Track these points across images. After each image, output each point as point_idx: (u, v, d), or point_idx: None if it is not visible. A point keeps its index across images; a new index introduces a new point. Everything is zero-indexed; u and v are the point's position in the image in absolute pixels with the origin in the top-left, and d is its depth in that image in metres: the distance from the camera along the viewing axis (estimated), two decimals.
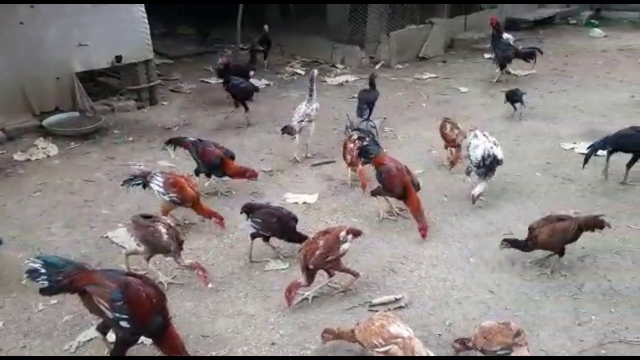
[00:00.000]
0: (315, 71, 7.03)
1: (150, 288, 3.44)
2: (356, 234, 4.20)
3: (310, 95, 6.70)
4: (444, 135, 6.15)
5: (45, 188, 5.99)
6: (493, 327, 3.34)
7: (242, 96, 7.73)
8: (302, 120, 6.58)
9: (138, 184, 4.97)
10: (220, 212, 5.23)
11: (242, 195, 5.81)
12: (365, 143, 5.46)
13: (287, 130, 6.60)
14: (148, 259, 4.31)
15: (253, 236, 4.65)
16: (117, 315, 3.29)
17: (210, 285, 4.19)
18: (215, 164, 5.57)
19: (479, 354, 3.39)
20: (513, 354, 3.27)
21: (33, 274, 3.30)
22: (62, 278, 3.30)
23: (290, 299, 4.06)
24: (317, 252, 4.02)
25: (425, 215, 4.96)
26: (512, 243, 4.49)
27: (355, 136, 5.88)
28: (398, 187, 4.93)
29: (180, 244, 4.20)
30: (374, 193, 5.26)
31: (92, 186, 6.04)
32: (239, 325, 3.97)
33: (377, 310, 4.01)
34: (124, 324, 3.29)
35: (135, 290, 3.35)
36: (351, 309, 4.11)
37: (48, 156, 6.76)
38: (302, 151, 6.67)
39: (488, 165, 5.33)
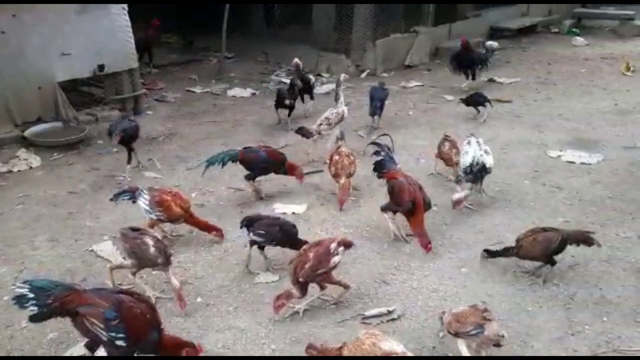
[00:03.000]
0: (343, 75, 7.03)
1: (143, 304, 3.39)
2: (348, 245, 4.15)
3: (336, 100, 6.75)
4: (440, 153, 6.11)
5: (28, 200, 5.86)
6: (464, 311, 3.52)
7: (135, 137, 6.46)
8: (321, 124, 6.62)
9: (127, 198, 4.88)
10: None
11: (229, 206, 5.74)
12: (381, 158, 5.34)
13: (302, 131, 6.59)
14: (134, 274, 4.21)
15: (252, 244, 4.59)
16: (113, 334, 3.22)
17: (185, 308, 4.10)
18: (283, 160, 5.76)
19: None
20: (485, 333, 3.38)
21: (21, 300, 3.17)
22: (52, 301, 3.20)
23: (277, 308, 3.97)
24: (307, 265, 3.96)
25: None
26: (492, 253, 4.51)
27: (343, 148, 5.87)
28: (407, 201, 4.79)
29: (168, 258, 4.12)
30: (384, 209, 5.08)
31: (77, 198, 5.92)
32: (229, 340, 3.89)
33: (369, 323, 3.98)
34: (120, 342, 3.22)
35: (129, 307, 3.29)
36: (343, 322, 4.05)
37: (31, 167, 6.63)
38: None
39: (475, 172, 5.34)
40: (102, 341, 3.25)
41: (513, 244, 4.46)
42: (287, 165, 5.79)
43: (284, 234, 4.51)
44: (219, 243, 5.02)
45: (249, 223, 4.59)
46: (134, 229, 4.24)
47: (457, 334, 3.49)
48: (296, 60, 8.38)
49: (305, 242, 4.33)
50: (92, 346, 3.42)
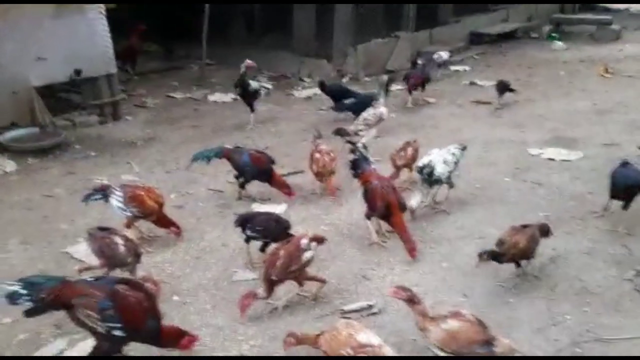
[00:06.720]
0: (385, 77, 7.07)
1: (139, 292, 3.32)
2: (320, 240, 4.08)
3: (378, 101, 6.84)
4: (391, 155, 5.99)
5: (1, 205, 5.72)
6: (461, 327, 3.26)
7: None
8: (359, 124, 6.72)
9: (98, 199, 4.77)
10: (187, 223, 5.11)
11: (208, 207, 5.66)
12: (355, 157, 5.21)
13: (340, 132, 6.56)
14: (107, 274, 4.10)
15: (248, 240, 4.56)
16: (109, 324, 3.15)
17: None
18: (268, 170, 5.59)
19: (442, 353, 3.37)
20: (497, 349, 3.24)
21: (13, 297, 3.07)
22: (46, 295, 3.11)
23: (243, 308, 3.87)
24: (279, 263, 3.88)
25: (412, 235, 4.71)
26: (491, 255, 4.14)
27: (322, 146, 5.83)
28: (380, 206, 4.71)
29: (138, 257, 4.02)
30: (367, 216, 4.94)
31: (51, 202, 5.80)
32: (207, 338, 3.79)
33: (349, 318, 3.90)
34: (117, 332, 3.16)
35: (124, 296, 3.23)
36: (322, 317, 3.98)
37: (5, 172, 6.49)
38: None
39: (424, 175, 5.25)
40: (100, 333, 3.18)
41: (493, 238, 4.38)
42: (274, 178, 5.64)
43: (279, 228, 4.49)
44: (197, 243, 4.94)
45: (243, 222, 4.54)
46: (102, 229, 4.15)
47: (454, 352, 3.29)
48: (247, 63, 7.78)
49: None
50: None
